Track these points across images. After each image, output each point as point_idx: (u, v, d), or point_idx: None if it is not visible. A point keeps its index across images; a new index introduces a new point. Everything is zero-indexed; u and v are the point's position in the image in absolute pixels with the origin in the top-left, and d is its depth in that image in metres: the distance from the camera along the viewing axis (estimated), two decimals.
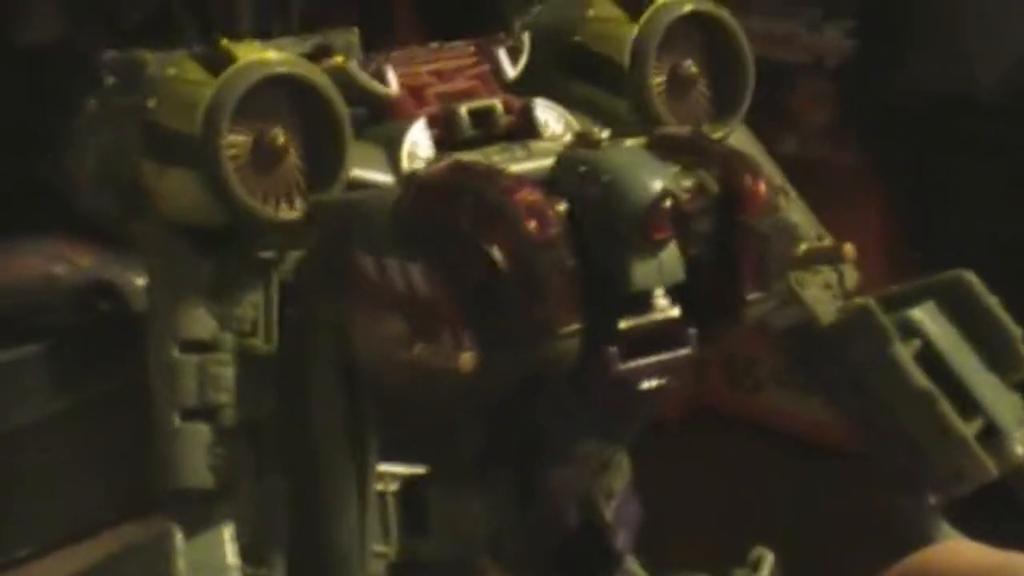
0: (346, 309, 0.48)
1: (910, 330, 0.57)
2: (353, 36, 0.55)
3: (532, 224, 0.44)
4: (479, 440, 0.51)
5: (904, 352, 0.56)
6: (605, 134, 0.48)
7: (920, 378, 0.56)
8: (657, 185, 0.45)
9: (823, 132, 1.10)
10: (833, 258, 0.56)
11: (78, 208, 0.54)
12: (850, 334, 0.57)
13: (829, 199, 0.60)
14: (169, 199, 0.50)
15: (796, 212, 0.57)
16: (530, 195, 0.45)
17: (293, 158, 0.50)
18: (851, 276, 0.58)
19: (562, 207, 0.45)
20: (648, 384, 0.46)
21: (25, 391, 0.99)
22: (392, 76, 0.52)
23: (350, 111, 0.50)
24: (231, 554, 0.48)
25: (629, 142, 0.48)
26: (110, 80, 0.53)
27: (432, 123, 0.52)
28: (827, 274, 0.58)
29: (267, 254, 0.50)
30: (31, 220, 1.04)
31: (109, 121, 0.52)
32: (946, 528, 0.57)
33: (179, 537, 0.48)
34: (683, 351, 0.46)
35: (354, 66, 0.52)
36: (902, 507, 0.58)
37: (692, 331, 0.46)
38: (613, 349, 0.45)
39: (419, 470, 0.53)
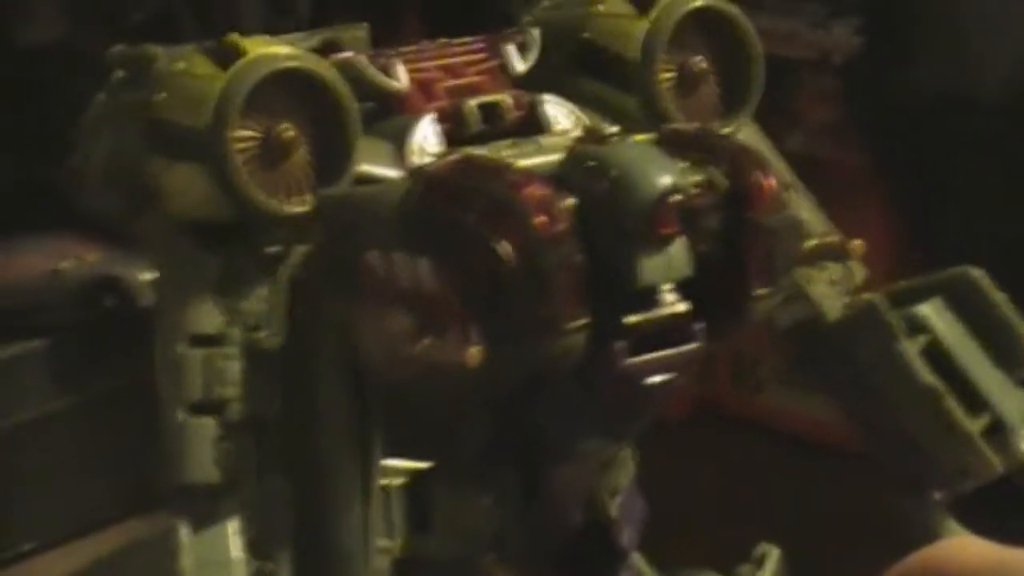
0: (353, 304, 0.48)
1: (916, 326, 0.57)
2: (362, 31, 0.55)
3: (540, 219, 0.44)
4: (484, 437, 0.51)
5: (910, 348, 0.56)
6: (613, 130, 0.48)
7: (926, 374, 0.56)
8: (665, 181, 0.45)
9: (828, 129, 1.10)
10: (840, 254, 0.56)
11: (85, 205, 0.54)
12: (856, 330, 0.57)
13: (834, 196, 0.60)
14: (177, 194, 0.50)
15: (804, 208, 0.57)
16: (538, 190, 0.45)
17: (301, 152, 0.50)
18: (858, 272, 0.58)
19: (570, 202, 0.45)
20: (654, 379, 0.46)
21: (30, 386, 0.99)
22: (401, 71, 0.53)
23: (358, 106, 0.50)
24: (236, 548, 0.48)
25: (637, 138, 0.48)
26: (118, 75, 0.53)
27: (441, 118, 0.52)
28: (834, 270, 0.58)
29: (274, 249, 0.50)
30: (35, 217, 1.04)
31: (116, 117, 0.52)
32: (951, 524, 0.57)
33: (185, 532, 0.48)
34: (690, 347, 0.46)
35: (363, 61, 0.52)
36: (906, 505, 0.58)
37: (699, 326, 0.46)
38: (620, 344, 0.45)
39: (423, 465, 0.53)
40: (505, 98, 0.52)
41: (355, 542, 0.51)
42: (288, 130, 0.49)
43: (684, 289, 0.46)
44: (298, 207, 0.50)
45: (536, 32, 0.55)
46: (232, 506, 0.49)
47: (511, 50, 0.54)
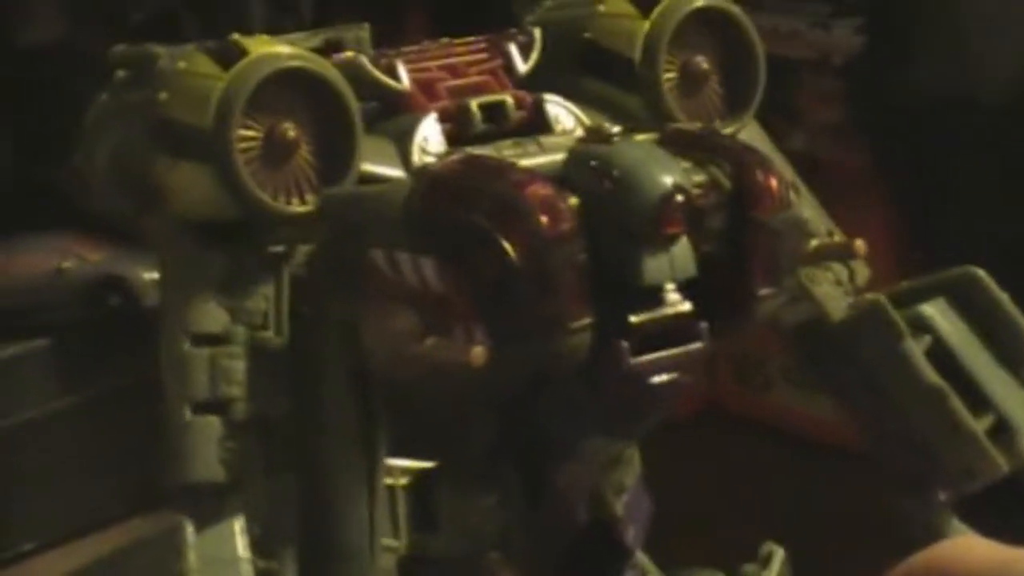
0: (357, 304, 0.48)
1: (921, 326, 0.57)
2: (364, 32, 0.55)
3: (544, 219, 0.44)
4: (489, 436, 0.51)
5: (915, 348, 0.56)
6: (616, 129, 0.48)
7: (931, 374, 0.56)
8: (668, 180, 0.45)
9: (829, 129, 1.10)
10: (844, 254, 0.56)
11: (90, 205, 0.54)
12: (861, 330, 0.57)
13: (835, 196, 0.60)
14: (180, 193, 0.50)
15: (807, 208, 0.57)
16: (542, 190, 0.45)
17: (304, 152, 0.50)
18: (862, 272, 0.58)
19: (574, 202, 0.45)
20: (659, 379, 0.46)
21: (35, 385, 0.99)
22: (403, 71, 0.53)
23: (361, 105, 0.50)
24: (241, 547, 0.48)
25: (640, 137, 0.48)
26: (120, 75, 0.53)
27: (443, 117, 0.52)
28: (837, 270, 0.58)
29: (278, 248, 0.50)
30: (37, 216, 1.04)
31: (120, 116, 0.52)
32: (956, 524, 0.57)
33: (190, 530, 0.48)
34: (694, 346, 0.46)
35: (365, 60, 0.52)
36: (908, 506, 0.58)
37: (703, 326, 0.46)
38: (624, 343, 0.45)
39: (428, 465, 0.53)
40: (508, 98, 0.52)
41: (360, 541, 0.51)
42: (290, 130, 0.49)
43: (688, 289, 0.46)
44: (301, 207, 0.50)
45: (538, 32, 0.55)
46: (237, 505, 0.49)
47: (513, 50, 0.54)
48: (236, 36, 0.50)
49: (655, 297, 0.46)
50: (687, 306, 0.46)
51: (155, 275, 0.53)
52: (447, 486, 0.52)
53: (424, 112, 0.52)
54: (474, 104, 0.52)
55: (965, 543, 0.51)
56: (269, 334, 0.50)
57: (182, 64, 0.50)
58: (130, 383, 0.96)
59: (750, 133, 0.56)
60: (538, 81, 0.54)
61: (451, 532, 0.52)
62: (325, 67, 0.50)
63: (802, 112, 1.09)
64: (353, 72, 0.51)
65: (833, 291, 0.57)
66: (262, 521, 0.49)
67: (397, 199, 0.46)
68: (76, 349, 1.00)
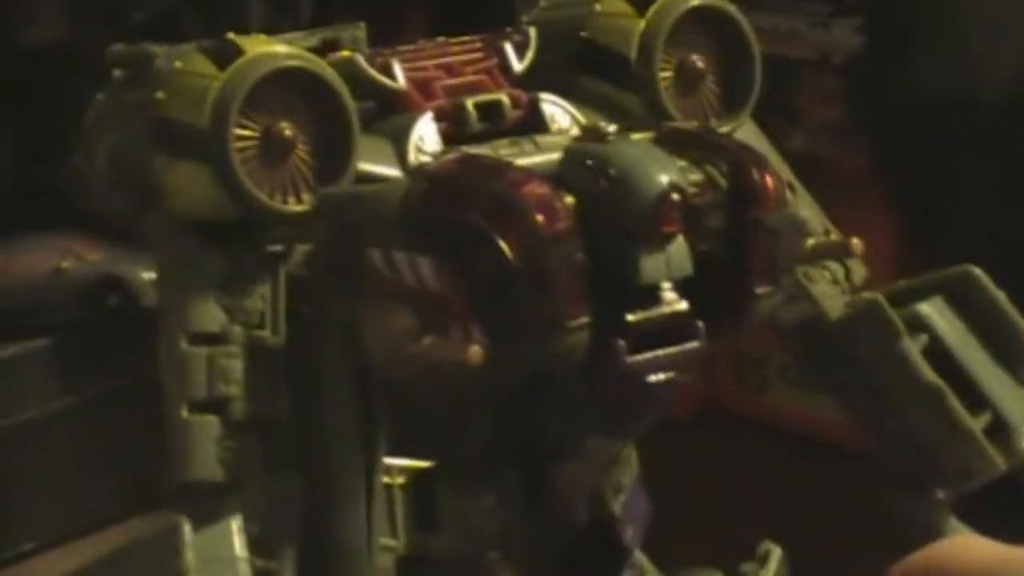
0: (355, 303, 0.48)
1: (918, 325, 0.57)
2: (360, 31, 0.55)
3: (541, 218, 0.44)
4: (488, 435, 0.51)
5: (912, 347, 0.56)
6: (612, 128, 0.48)
7: (928, 373, 0.56)
8: (664, 179, 0.45)
9: (829, 129, 1.09)
10: (841, 253, 0.56)
11: (90, 205, 0.55)
12: (858, 329, 0.57)
13: (835, 196, 0.60)
14: (178, 193, 0.50)
15: (803, 207, 0.57)
16: (538, 189, 0.45)
17: (301, 151, 0.50)
18: (858, 271, 0.58)
19: (570, 201, 0.45)
20: (656, 377, 0.46)
21: (33, 385, 0.99)
22: (399, 70, 0.53)
23: (358, 105, 0.50)
24: (239, 546, 0.48)
25: (636, 136, 0.48)
26: (117, 74, 0.53)
27: (439, 117, 0.52)
28: (835, 269, 0.58)
29: (275, 247, 0.50)
30: (37, 216, 1.04)
31: (118, 116, 0.52)
32: (954, 523, 0.57)
33: (188, 529, 0.48)
34: (691, 345, 0.46)
35: (361, 60, 0.52)
36: (908, 505, 0.58)
37: (700, 325, 0.46)
38: (621, 342, 0.45)
39: (426, 464, 0.53)
40: (504, 97, 0.52)
41: (359, 540, 0.51)
42: (287, 129, 0.50)
43: (685, 288, 0.46)
44: (298, 206, 0.50)
45: (533, 31, 0.55)
46: (235, 504, 0.49)
47: (509, 49, 0.54)
48: (233, 35, 0.50)
49: (652, 296, 0.46)
50: (684, 305, 0.46)
51: (154, 275, 0.53)
52: (446, 486, 0.52)
53: (420, 111, 0.52)
54: (470, 103, 0.52)
55: (963, 542, 0.51)
56: (266, 333, 0.50)
57: (179, 64, 0.50)
58: (129, 383, 0.96)
59: (746, 132, 0.56)
60: (535, 80, 0.54)
61: (450, 532, 0.52)
62: (322, 66, 0.50)
63: (802, 112, 1.09)
64: (349, 71, 0.51)
65: (830, 290, 0.57)
66: (260, 520, 0.49)
67: (394, 198, 0.47)
68: (75, 349, 1.00)
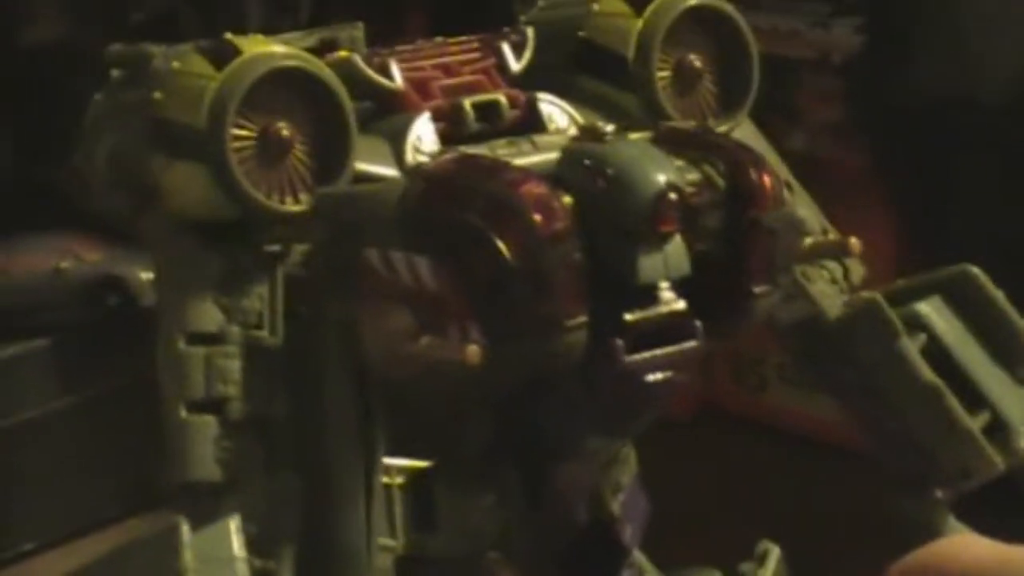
0: (354, 303, 0.48)
1: (916, 324, 0.57)
2: (358, 31, 0.55)
3: (538, 218, 0.44)
4: (487, 435, 0.51)
5: (910, 346, 0.56)
6: (610, 128, 0.48)
7: (927, 372, 0.56)
8: (662, 178, 0.46)
9: (829, 129, 1.09)
10: (839, 252, 0.56)
11: (89, 205, 0.55)
12: (856, 328, 0.57)
13: (835, 196, 0.60)
14: (176, 193, 0.50)
15: (801, 206, 0.57)
16: (536, 188, 0.45)
17: (298, 151, 0.50)
18: (857, 270, 0.58)
19: (568, 201, 0.45)
20: (654, 377, 0.46)
21: (33, 386, 0.99)
22: (397, 70, 0.53)
23: (355, 105, 0.50)
24: (237, 546, 0.48)
25: (634, 136, 0.48)
26: (115, 75, 0.53)
27: (437, 117, 0.52)
28: (833, 269, 0.58)
29: (273, 247, 0.50)
30: (38, 216, 1.04)
31: (116, 116, 0.52)
32: (953, 523, 0.57)
33: (186, 529, 0.48)
34: (689, 344, 0.46)
35: (359, 60, 0.53)
36: (907, 504, 0.58)
37: (698, 324, 0.46)
38: (619, 342, 0.45)
39: (425, 464, 0.53)
40: (501, 97, 0.52)
41: (357, 540, 0.51)
42: (284, 129, 0.50)
43: (683, 288, 0.46)
44: (296, 206, 0.50)
45: (531, 31, 0.55)
46: (233, 504, 0.49)
47: (506, 49, 0.54)
48: (230, 36, 0.50)
49: (650, 296, 0.46)
50: (681, 304, 0.46)
51: (152, 275, 0.53)
52: (445, 485, 0.52)
53: (418, 111, 0.52)
54: (468, 103, 0.52)
55: (962, 541, 0.51)
56: (264, 333, 0.50)
57: (176, 64, 0.50)
58: (129, 383, 0.96)
59: (744, 131, 0.56)
60: (533, 80, 0.54)
61: (450, 532, 0.52)
62: (319, 67, 0.50)
63: (802, 112, 1.09)
64: (347, 71, 0.51)
65: (828, 289, 0.57)
66: (259, 520, 0.49)
67: (391, 198, 0.47)
68: (75, 349, 1.00)
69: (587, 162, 0.46)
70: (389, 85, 0.52)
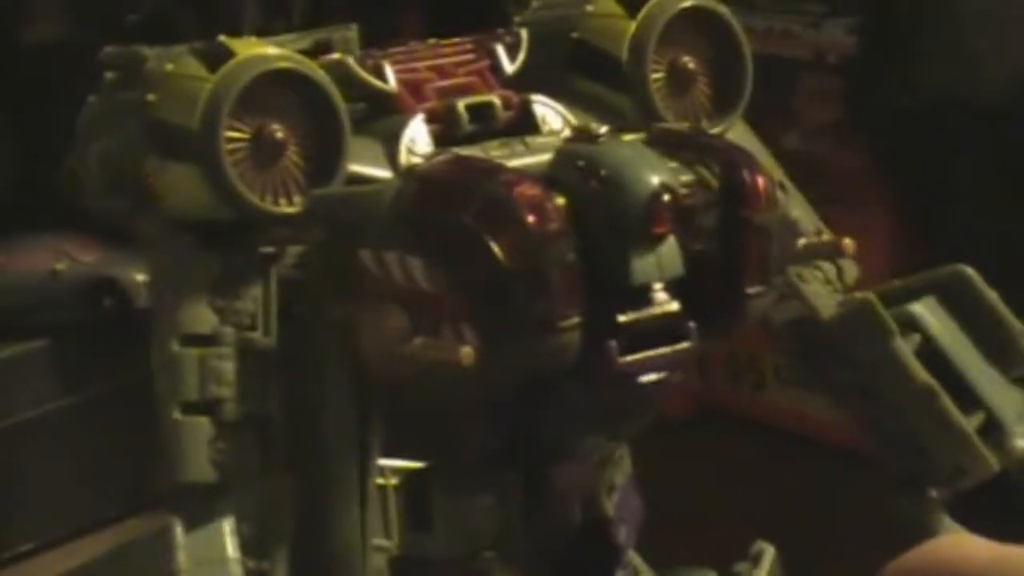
0: (348, 305, 0.48)
1: (910, 325, 0.57)
2: (352, 33, 0.55)
3: (532, 218, 0.44)
4: (484, 436, 0.51)
5: (904, 347, 0.56)
6: (603, 129, 0.48)
7: (921, 373, 0.56)
8: (655, 180, 0.46)
9: (826, 129, 1.10)
10: (832, 253, 0.56)
11: (84, 206, 0.55)
12: (851, 329, 0.57)
13: (832, 196, 0.60)
14: (171, 194, 0.51)
15: (795, 207, 0.57)
16: (530, 190, 0.45)
17: (292, 153, 0.50)
18: (850, 271, 0.58)
19: (561, 202, 0.45)
20: (648, 378, 0.46)
21: (28, 387, 1.00)
22: (390, 72, 0.53)
23: (349, 106, 0.50)
24: (231, 547, 0.48)
25: (627, 137, 0.48)
26: (110, 76, 0.53)
27: (431, 118, 0.52)
28: (827, 269, 0.58)
29: (267, 249, 0.50)
30: (34, 217, 1.04)
31: (110, 117, 0.52)
32: (948, 522, 0.57)
33: (180, 531, 0.48)
34: (683, 345, 0.46)
35: (352, 62, 0.53)
36: (904, 504, 0.58)
37: (692, 325, 0.46)
38: (613, 343, 0.45)
39: (419, 465, 0.53)
40: (495, 98, 0.52)
41: (352, 541, 0.51)
42: (278, 131, 0.50)
43: (677, 288, 0.46)
44: (290, 207, 0.50)
45: (525, 32, 0.55)
46: (227, 505, 0.49)
47: (500, 50, 0.54)
48: (224, 38, 0.50)
49: (643, 297, 0.46)
50: (675, 305, 0.46)
51: (147, 277, 0.53)
52: (444, 486, 0.52)
53: (412, 113, 0.52)
54: (461, 105, 0.52)
55: (958, 540, 0.51)
56: (257, 335, 0.50)
57: (170, 66, 0.50)
58: (125, 384, 0.96)
59: (738, 132, 0.56)
60: (527, 81, 0.54)
61: (446, 532, 0.52)
62: (313, 68, 0.50)
63: (798, 112, 1.09)
64: (340, 73, 0.51)
65: (823, 290, 0.57)
66: (253, 521, 0.49)
67: (385, 200, 0.47)
68: (71, 350, 1.00)
69: (581, 163, 0.46)
70: (383, 87, 0.52)
